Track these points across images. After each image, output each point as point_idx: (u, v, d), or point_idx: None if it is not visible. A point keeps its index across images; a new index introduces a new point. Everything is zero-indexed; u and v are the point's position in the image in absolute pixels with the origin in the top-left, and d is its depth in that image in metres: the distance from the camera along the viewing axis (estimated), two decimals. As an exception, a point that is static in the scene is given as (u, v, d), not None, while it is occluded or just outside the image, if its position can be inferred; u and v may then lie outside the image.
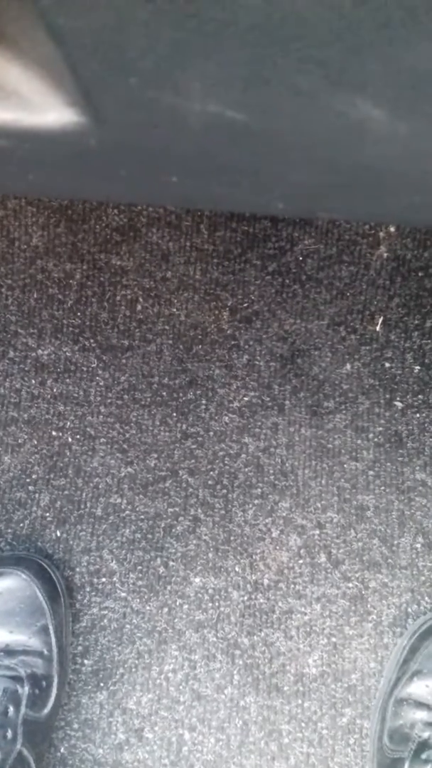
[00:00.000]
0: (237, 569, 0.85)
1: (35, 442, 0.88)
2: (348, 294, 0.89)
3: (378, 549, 0.85)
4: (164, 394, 0.89)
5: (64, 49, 0.33)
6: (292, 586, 0.85)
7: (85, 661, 0.84)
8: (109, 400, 0.89)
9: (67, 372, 0.89)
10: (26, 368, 0.90)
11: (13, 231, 0.91)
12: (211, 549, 0.86)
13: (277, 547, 0.86)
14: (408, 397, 0.88)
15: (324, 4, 0.30)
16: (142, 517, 0.87)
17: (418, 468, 0.87)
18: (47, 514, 0.87)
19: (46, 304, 0.90)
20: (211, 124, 0.38)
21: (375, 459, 0.87)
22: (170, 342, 0.89)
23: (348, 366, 0.88)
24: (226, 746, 0.82)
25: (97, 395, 0.89)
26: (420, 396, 0.88)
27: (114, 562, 0.86)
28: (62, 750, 0.83)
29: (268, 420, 0.88)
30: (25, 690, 0.74)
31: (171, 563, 0.86)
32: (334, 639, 0.84)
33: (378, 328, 0.89)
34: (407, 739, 0.75)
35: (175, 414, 0.88)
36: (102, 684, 0.84)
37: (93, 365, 0.89)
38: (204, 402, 0.88)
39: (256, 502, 0.87)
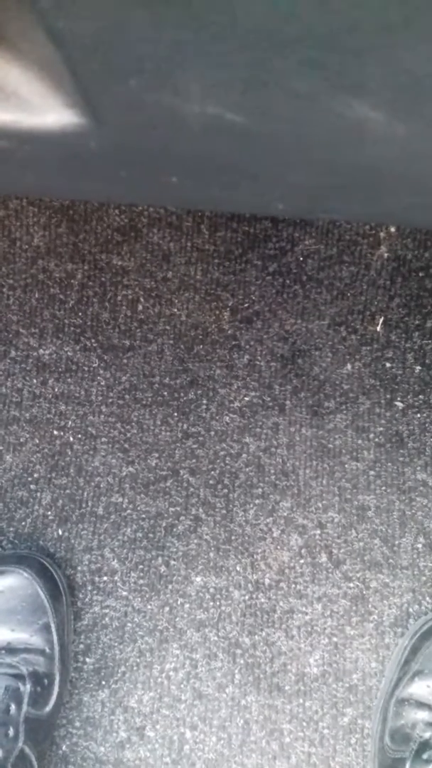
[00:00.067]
0: (238, 569, 0.85)
1: (37, 441, 0.89)
2: (348, 294, 0.89)
3: (379, 549, 0.85)
4: (165, 393, 0.89)
5: (63, 50, 0.33)
6: (294, 585, 0.85)
7: (87, 660, 0.84)
8: (110, 400, 0.89)
9: (69, 372, 0.90)
10: (28, 368, 0.90)
11: (14, 231, 0.91)
12: (213, 548, 0.86)
13: (279, 547, 0.86)
14: (409, 397, 0.88)
15: (323, 7, 0.30)
16: (144, 516, 0.87)
17: (419, 468, 0.87)
18: (49, 513, 0.87)
19: (48, 304, 0.91)
20: (210, 126, 0.38)
21: (376, 459, 0.87)
22: (171, 342, 0.89)
23: (349, 366, 0.88)
24: (228, 745, 0.82)
25: (99, 395, 0.89)
26: (421, 396, 0.88)
27: (115, 560, 0.86)
28: (64, 748, 0.83)
29: (269, 420, 0.88)
30: (26, 688, 0.74)
31: (172, 562, 0.86)
32: (335, 639, 0.84)
33: (379, 328, 0.89)
34: (408, 739, 0.75)
35: (176, 414, 0.88)
36: (104, 682, 0.84)
37: (94, 365, 0.89)
38: (205, 402, 0.88)
39: (257, 501, 0.87)
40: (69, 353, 0.90)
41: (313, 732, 0.82)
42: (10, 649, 0.78)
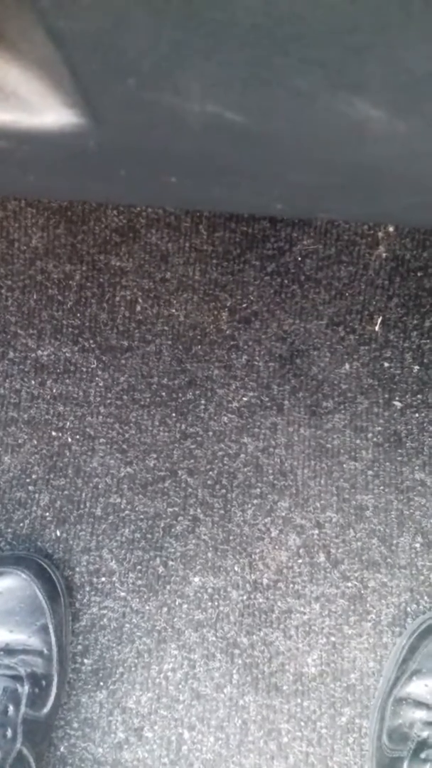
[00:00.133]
0: (236, 569, 0.85)
1: (35, 443, 0.89)
2: (347, 294, 0.89)
3: (377, 548, 0.85)
4: (163, 394, 0.89)
5: (63, 50, 0.33)
6: (291, 585, 0.85)
7: (85, 660, 0.84)
8: (108, 401, 0.89)
9: (67, 372, 0.89)
10: (26, 369, 0.90)
11: (12, 232, 0.91)
12: (211, 549, 0.86)
13: (276, 547, 0.86)
14: (407, 396, 0.88)
15: (323, 5, 0.30)
16: (142, 516, 0.87)
17: (417, 468, 0.87)
18: (47, 514, 0.87)
19: (46, 305, 0.91)
20: (210, 125, 0.38)
21: (374, 459, 0.87)
22: (169, 342, 0.89)
23: (347, 366, 0.89)
24: (226, 745, 0.82)
25: (97, 396, 0.89)
26: (419, 396, 0.88)
27: (113, 561, 0.86)
28: (62, 749, 0.83)
29: (267, 420, 0.88)
30: (24, 689, 0.74)
31: (170, 563, 0.86)
32: (333, 638, 0.84)
33: (377, 328, 0.89)
34: (406, 739, 0.75)
35: (174, 414, 0.88)
36: (102, 683, 0.84)
37: (92, 366, 0.89)
38: (203, 402, 0.88)
39: (255, 501, 0.87)
40: (67, 354, 0.90)
41: (311, 732, 0.82)
42: (8, 651, 0.78)
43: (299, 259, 0.90)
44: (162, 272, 0.90)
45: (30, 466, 0.88)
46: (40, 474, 0.88)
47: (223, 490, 0.87)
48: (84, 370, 0.89)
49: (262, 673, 0.84)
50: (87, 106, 0.37)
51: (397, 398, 0.88)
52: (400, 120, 0.36)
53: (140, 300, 0.90)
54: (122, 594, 0.85)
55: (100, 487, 0.87)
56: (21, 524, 0.87)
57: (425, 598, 0.84)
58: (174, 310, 0.90)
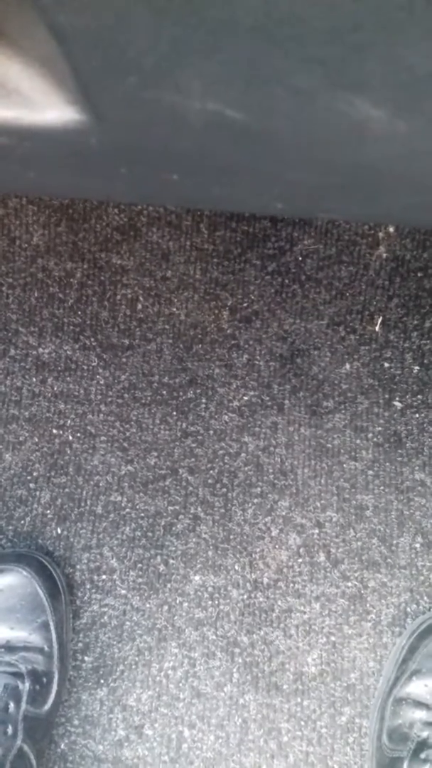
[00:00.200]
0: (237, 568, 0.86)
1: (36, 440, 0.89)
2: (347, 294, 0.89)
3: (377, 548, 0.85)
4: (164, 392, 0.89)
5: (64, 47, 0.33)
6: (292, 584, 0.85)
7: (86, 658, 0.84)
8: (109, 399, 0.89)
9: (68, 370, 0.90)
10: (27, 366, 0.90)
11: (14, 230, 0.91)
12: (211, 547, 0.86)
13: (277, 546, 0.86)
14: (407, 397, 0.88)
15: (324, 4, 0.30)
16: (143, 515, 0.87)
17: (417, 468, 0.87)
18: (48, 512, 0.87)
19: (47, 303, 0.91)
20: (210, 123, 0.38)
21: (374, 459, 0.87)
22: (170, 341, 0.89)
23: (347, 366, 0.89)
24: (226, 744, 0.82)
25: (98, 394, 0.89)
26: (419, 396, 0.88)
27: (114, 559, 0.86)
28: (62, 746, 0.83)
29: (268, 419, 0.88)
30: (25, 686, 0.74)
31: (171, 561, 0.86)
32: (333, 638, 0.84)
33: (377, 328, 0.89)
34: (406, 739, 0.75)
35: (175, 413, 0.88)
36: (102, 681, 0.84)
37: (93, 364, 0.90)
38: (204, 401, 0.89)
39: (255, 500, 0.87)
40: (68, 352, 0.90)
41: (311, 731, 0.82)
42: (9, 648, 0.78)
43: (300, 258, 0.90)
44: (163, 271, 0.90)
45: (31, 463, 0.88)
46: (41, 471, 0.88)
47: (224, 489, 0.87)
48: (85, 368, 0.90)
49: (262, 672, 0.84)
50: (88, 103, 0.37)
51: (397, 398, 0.88)
52: (400, 119, 0.36)
53: (141, 298, 0.90)
54: (123, 592, 0.86)
55: (100, 485, 0.88)
56: (22, 521, 0.87)
57: (425, 598, 0.84)
58: (175, 309, 0.90)
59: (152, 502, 0.87)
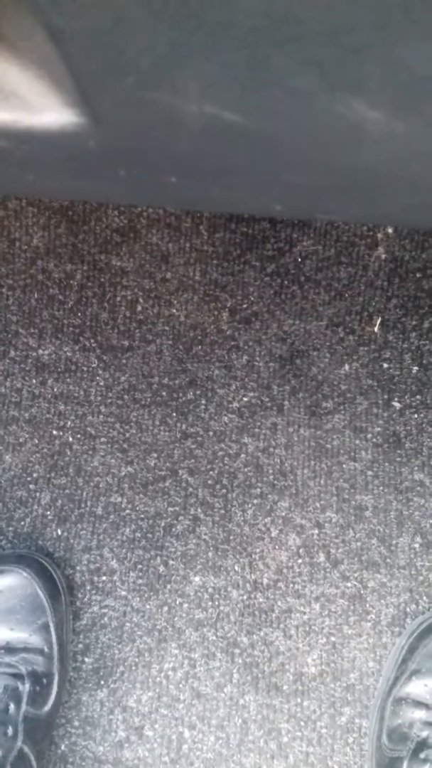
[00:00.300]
0: (236, 568, 0.86)
1: (36, 441, 0.89)
2: (346, 295, 0.90)
3: (376, 549, 0.85)
4: (164, 394, 0.89)
5: (62, 49, 0.33)
6: (291, 585, 0.85)
7: (86, 659, 0.85)
8: (109, 400, 0.89)
9: (68, 372, 0.90)
10: (27, 368, 0.90)
11: (14, 231, 0.91)
12: (211, 548, 0.86)
13: (277, 547, 0.86)
14: (406, 397, 0.88)
15: (321, 5, 0.30)
16: (142, 516, 0.87)
17: (416, 468, 0.87)
18: (48, 513, 0.87)
19: (47, 305, 0.91)
20: (208, 126, 0.38)
21: (373, 459, 0.87)
22: (170, 342, 0.90)
23: (346, 366, 0.89)
24: (226, 744, 0.82)
25: (98, 395, 0.89)
26: (418, 396, 0.88)
27: (114, 560, 0.86)
28: (63, 747, 0.83)
29: (267, 420, 0.88)
30: (25, 687, 0.74)
31: (171, 562, 0.86)
32: (333, 638, 0.84)
33: (376, 329, 0.89)
34: (406, 739, 0.75)
35: (174, 414, 0.89)
36: (102, 682, 0.84)
37: (93, 365, 0.90)
38: (203, 402, 0.89)
39: (255, 501, 0.87)
40: (68, 353, 0.90)
41: (310, 731, 0.82)
42: (9, 649, 0.78)
43: (299, 260, 0.90)
44: (162, 272, 0.90)
45: (31, 464, 0.88)
46: (41, 473, 0.88)
47: (224, 490, 0.87)
48: (85, 369, 0.90)
49: (262, 673, 0.84)
50: (86, 105, 0.37)
51: (396, 399, 0.88)
52: (398, 121, 0.36)
53: (141, 300, 0.90)
54: (123, 593, 0.86)
55: (100, 486, 0.88)
56: (22, 523, 0.87)
57: (424, 598, 0.84)
58: (174, 311, 0.90)
59: (152, 504, 0.87)
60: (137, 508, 0.87)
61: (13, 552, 0.85)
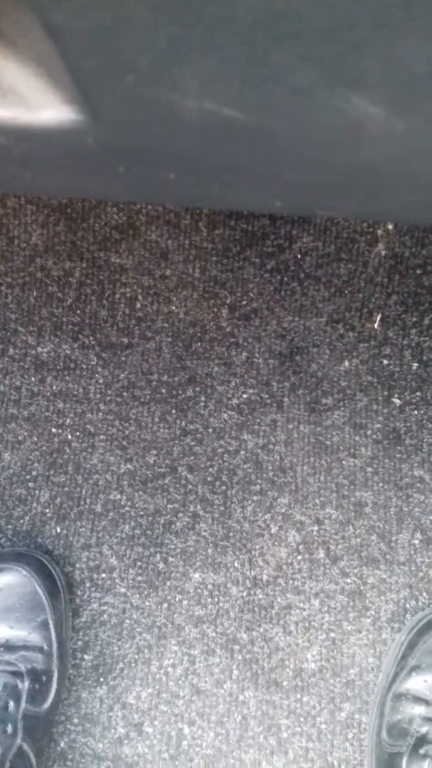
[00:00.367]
0: (236, 565, 0.86)
1: (35, 439, 0.89)
2: (346, 291, 0.89)
3: (376, 545, 0.86)
4: (163, 391, 0.89)
5: (61, 46, 0.33)
6: (291, 581, 0.85)
7: (85, 656, 0.85)
8: (108, 398, 0.89)
9: (67, 369, 0.90)
10: (26, 366, 0.90)
11: (12, 229, 0.91)
12: (211, 545, 0.86)
13: (276, 543, 0.86)
14: (406, 394, 0.88)
15: (322, 2, 0.30)
16: (142, 513, 0.87)
17: (416, 465, 0.87)
18: (47, 511, 0.87)
19: (46, 302, 0.91)
20: (208, 122, 0.38)
21: (373, 456, 0.87)
22: (169, 339, 0.89)
23: (346, 363, 0.89)
24: (226, 740, 0.82)
25: (97, 392, 0.89)
26: (418, 393, 0.88)
27: (114, 558, 0.86)
28: (62, 744, 0.83)
29: (267, 417, 0.88)
30: (25, 685, 0.74)
31: (170, 559, 0.86)
32: (332, 634, 0.84)
33: (376, 325, 0.89)
34: (405, 734, 0.75)
35: (174, 411, 0.89)
36: (102, 679, 0.84)
37: (92, 363, 0.90)
38: (203, 399, 0.89)
39: (255, 498, 0.87)
40: (67, 351, 0.90)
41: (310, 727, 0.82)
42: (9, 647, 0.78)
43: (299, 256, 0.90)
44: (162, 269, 0.90)
45: (30, 462, 0.88)
46: (40, 471, 0.88)
47: (223, 487, 0.87)
48: (84, 367, 0.90)
49: (261, 669, 0.84)
50: (85, 102, 0.37)
51: (396, 395, 0.88)
52: (398, 117, 0.36)
53: (140, 297, 0.90)
54: (122, 590, 0.86)
55: (100, 483, 0.88)
56: (21, 521, 0.87)
57: (424, 594, 0.85)
58: (174, 307, 0.90)
59: (151, 501, 0.87)
60: (136, 505, 0.87)
61: (13, 550, 0.85)
